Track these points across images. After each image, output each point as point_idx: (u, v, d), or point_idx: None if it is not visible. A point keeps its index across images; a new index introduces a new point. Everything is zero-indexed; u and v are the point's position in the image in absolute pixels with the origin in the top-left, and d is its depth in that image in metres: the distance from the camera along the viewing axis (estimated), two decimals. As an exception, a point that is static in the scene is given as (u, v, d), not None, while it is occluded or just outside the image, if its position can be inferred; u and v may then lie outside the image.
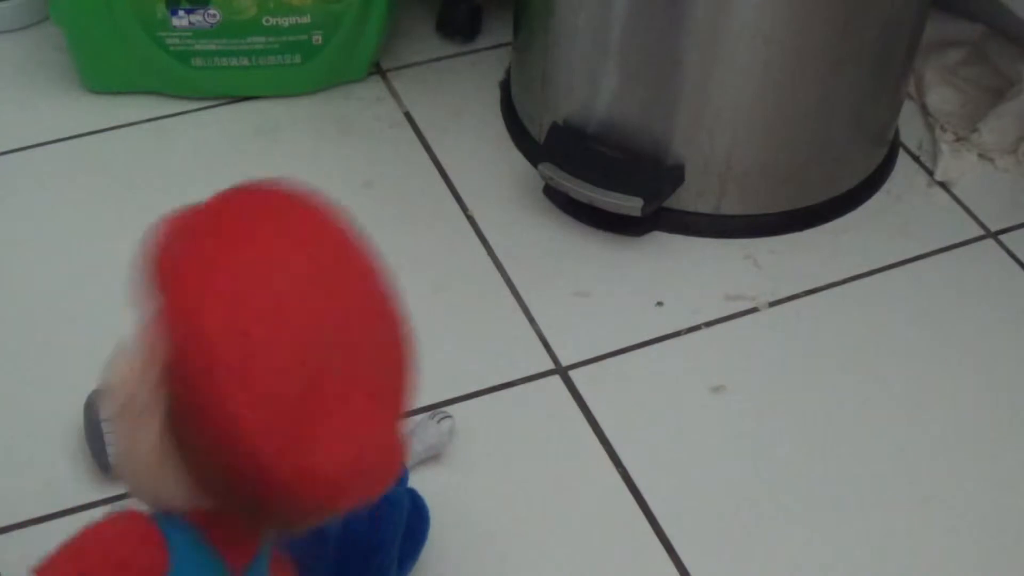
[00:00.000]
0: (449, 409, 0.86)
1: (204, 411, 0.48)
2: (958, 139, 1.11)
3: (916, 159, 1.11)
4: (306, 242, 0.52)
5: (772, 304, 0.97)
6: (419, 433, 0.82)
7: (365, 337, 0.52)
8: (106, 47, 1.08)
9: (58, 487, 0.81)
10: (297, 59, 1.10)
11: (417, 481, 0.81)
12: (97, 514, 0.78)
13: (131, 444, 0.52)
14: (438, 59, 1.19)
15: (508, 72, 1.15)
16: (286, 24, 1.07)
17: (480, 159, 1.08)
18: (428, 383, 0.88)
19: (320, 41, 1.09)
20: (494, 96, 1.15)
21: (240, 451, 0.47)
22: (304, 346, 0.48)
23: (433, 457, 0.83)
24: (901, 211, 1.06)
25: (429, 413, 0.83)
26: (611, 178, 0.96)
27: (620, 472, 0.84)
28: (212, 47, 1.08)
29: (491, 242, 1.00)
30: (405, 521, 0.72)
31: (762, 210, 1.02)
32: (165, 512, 0.53)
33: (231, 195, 0.53)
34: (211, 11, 1.06)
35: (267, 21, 1.07)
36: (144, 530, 0.53)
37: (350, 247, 0.55)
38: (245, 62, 1.10)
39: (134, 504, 0.55)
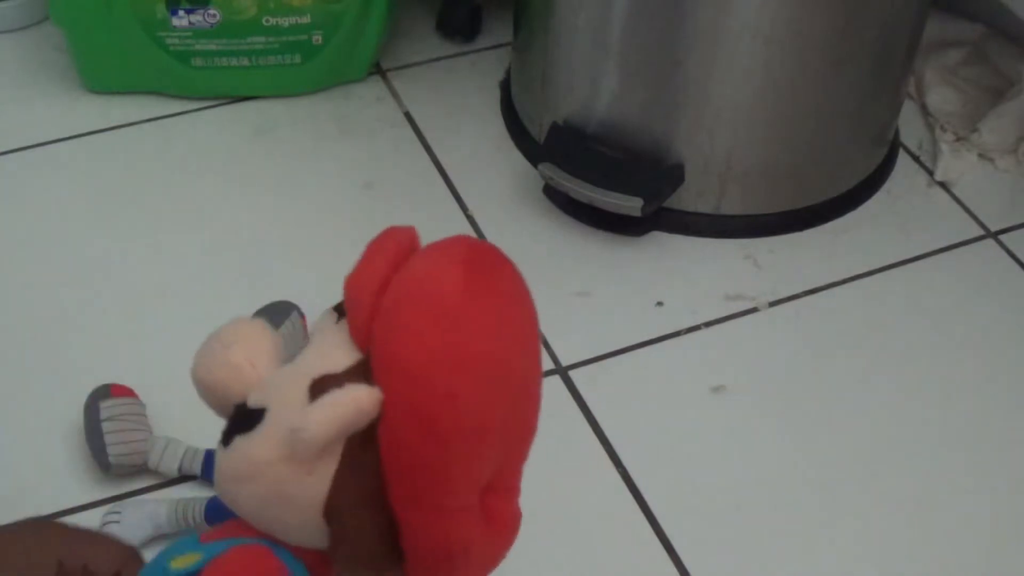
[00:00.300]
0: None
1: (404, 500, 0.47)
2: (958, 139, 1.11)
3: (916, 159, 1.11)
4: (515, 304, 0.52)
5: (772, 304, 0.97)
6: None
7: (535, 406, 0.52)
8: (106, 47, 1.08)
9: (58, 487, 0.82)
10: (297, 59, 1.10)
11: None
12: (97, 515, 0.79)
13: (269, 479, 0.49)
14: (438, 59, 1.20)
15: (508, 72, 1.15)
16: (286, 24, 1.07)
17: (480, 159, 1.08)
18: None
19: (320, 41, 1.09)
20: (494, 96, 1.15)
21: (429, 549, 0.48)
22: (505, 450, 0.50)
23: None
24: (901, 211, 1.06)
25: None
26: (611, 178, 0.96)
27: (620, 472, 0.84)
28: (212, 47, 1.08)
29: (491, 242, 1.00)
30: None
31: (762, 210, 1.02)
32: (277, 543, 0.51)
33: (453, 253, 0.50)
34: (211, 11, 1.06)
35: (267, 21, 1.07)
36: (273, 565, 0.51)
37: (533, 312, 0.54)
38: (245, 62, 1.10)
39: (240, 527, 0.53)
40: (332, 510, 0.49)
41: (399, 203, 1.04)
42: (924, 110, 1.15)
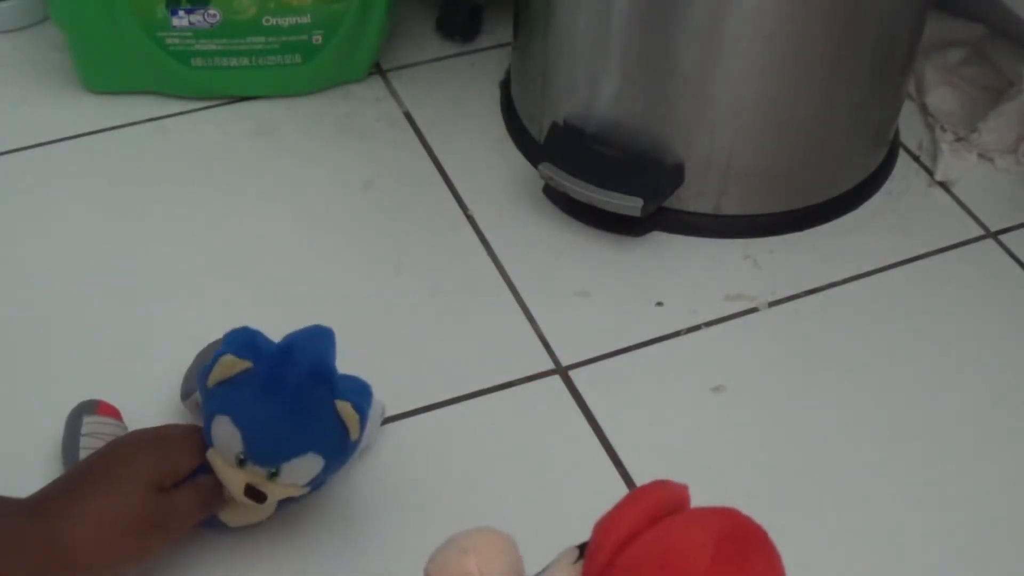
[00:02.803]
0: (448, 409, 0.86)
1: None
2: (958, 139, 1.11)
3: (916, 159, 1.11)
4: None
5: (772, 304, 0.97)
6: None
7: None
8: (106, 47, 1.08)
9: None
10: (297, 59, 1.10)
11: (412, 485, 0.81)
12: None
13: None
14: (438, 59, 1.20)
15: (508, 72, 1.15)
16: (286, 24, 1.07)
17: (480, 159, 1.08)
18: (427, 383, 0.89)
19: (320, 41, 1.09)
20: (494, 96, 1.15)
21: None
22: None
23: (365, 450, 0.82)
24: (901, 211, 1.06)
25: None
26: (611, 178, 0.96)
27: (620, 472, 0.84)
28: (212, 47, 1.08)
29: (491, 242, 1.00)
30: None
31: (762, 210, 1.02)
32: None
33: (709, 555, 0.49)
34: (211, 11, 1.06)
35: (267, 21, 1.07)
36: None
37: None
38: (245, 62, 1.10)
39: None
40: None
41: (399, 203, 1.04)
42: (924, 110, 1.15)
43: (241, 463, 0.69)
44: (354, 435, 0.71)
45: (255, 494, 0.70)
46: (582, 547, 0.51)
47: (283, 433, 0.69)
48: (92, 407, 0.81)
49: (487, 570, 0.53)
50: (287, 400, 0.69)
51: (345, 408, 0.70)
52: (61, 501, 0.67)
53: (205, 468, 0.72)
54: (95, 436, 0.79)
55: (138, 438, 0.73)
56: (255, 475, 0.70)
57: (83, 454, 0.78)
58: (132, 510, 0.67)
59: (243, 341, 0.70)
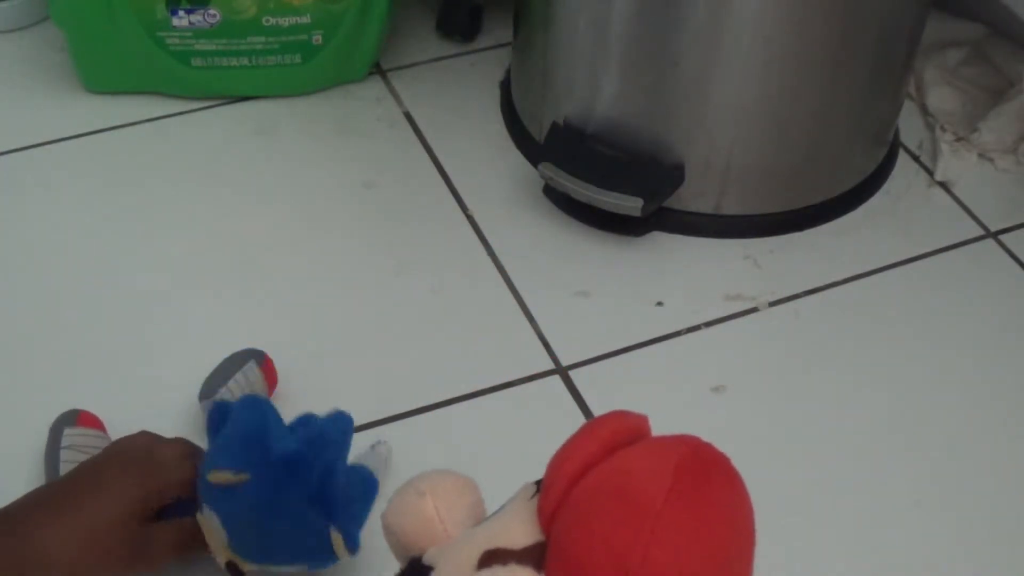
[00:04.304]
0: (448, 409, 0.86)
1: None
2: (958, 139, 1.11)
3: (916, 159, 1.11)
4: (723, 520, 0.48)
5: (772, 304, 0.97)
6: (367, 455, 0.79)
7: None
8: (106, 47, 1.08)
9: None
10: (297, 59, 1.10)
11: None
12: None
13: None
14: (438, 59, 1.20)
15: (508, 72, 1.15)
16: (286, 24, 1.07)
17: (480, 159, 1.08)
18: (427, 383, 0.89)
19: (320, 41, 1.09)
20: (494, 96, 1.15)
21: None
22: None
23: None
24: (901, 211, 1.06)
25: (371, 444, 0.81)
26: (611, 178, 0.96)
27: (620, 472, 0.84)
28: (212, 47, 1.08)
29: (491, 242, 1.00)
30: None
31: (762, 210, 1.02)
32: None
33: (678, 526, 0.46)
34: (211, 11, 1.06)
35: (267, 21, 1.07)
36: None
37: (753, 534, 0.50)
38: (245, 62, 1.10)
39: None
40: None
41: (399, 203, 1.04)
42: (924, 110, 1.15)
43: (227, 546, 0.68)
44: (342, 558, 0.69)
45: (236, 571, 0.69)
46: (539, 482, 0.50)
47: (271, 547, 0.68)
48: (72, 418, 0.79)
49: (446, 514, 0.51)
50: (281, 522, 0.66)
51: (337, 540, 0.67)
52: (39, 515, 0.64)
53: (188, 504, 0.69)
54: (75, 449, 0.77)
55: (128, 457, 0.70)
56: (239, 558, 0.69)
57: (63, 468, 0.76)
58: (110, 536, 0.65)
59: (248, 437, 0.66)
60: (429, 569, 0.49)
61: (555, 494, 0.47)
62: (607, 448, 0.47)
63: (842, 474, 0.85)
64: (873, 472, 0.85)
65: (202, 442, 0.83)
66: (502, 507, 0.51)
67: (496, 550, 0.47)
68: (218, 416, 0.70)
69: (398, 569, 0.54)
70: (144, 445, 0.71)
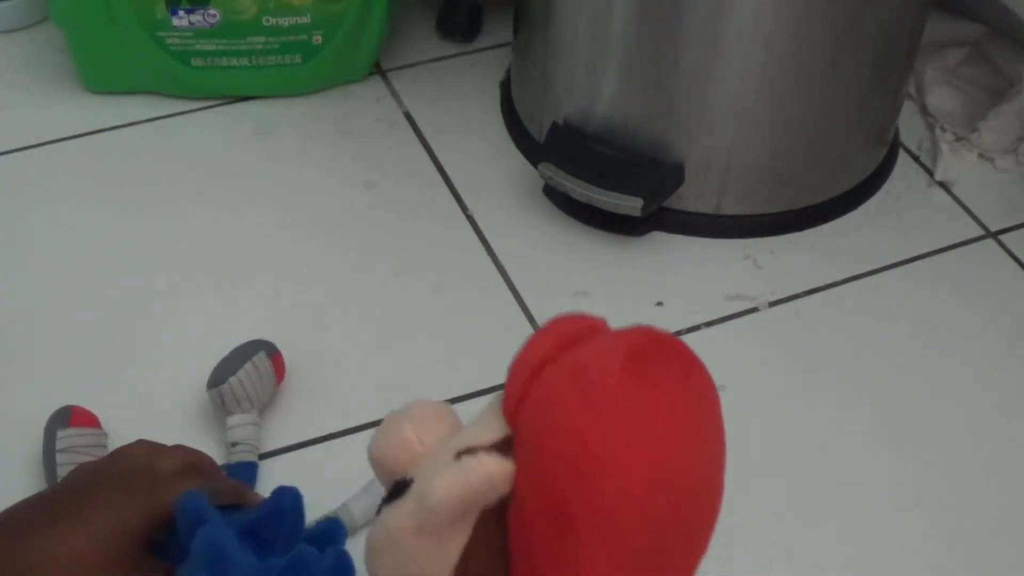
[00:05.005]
0: (449, 409, 0.86)
1: (540, 550, 0.45)
2: (958, 139, 1.11)
3: (916, 159, 1.11)
4: (695, 442, 0.49)
5: (772, 304, 0.97)
6: (370, 488, 0.77)
7: (702, 513, 0.49)
8: (106, 47, 1.08)
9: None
10: (297, 59, 1.10)
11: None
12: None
13: (404, 550, 0.49)
14: (438, 59, 1.20)
15: (508, 72, 1.15)
16: (286, 24, 1.07)
17: (480, 159, 1.08)
18: (427, 384, 0.89)
19: (320, 41, 1.09)
20: (494, 96, 1.15)
21: None
22: (652, 558, 0.46)
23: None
24: (901, 211, 1.06)
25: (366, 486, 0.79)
26: (611, 178, 0.96)
27: (620, 472, 0.84)
28: (212, 47, 1.08)
29: (491, 242, 1.00)
30: None
31: (762, 210, 1.02)
32: None
33: (621, 358, 0.48)
34: (211, 11, 1.06)
35: (267, 21, 1.07)
36: None
37: (718, 416, 0.51)
38: (245, 62, 1.10)
39: None
40: None
41: (399, 203, 1.04)
42: (924, 110, 1.15)
43: None
44: None
45: None
46: None
47: None
48: (65, 418, 0.78)
49: (425, 436, 0.53)
50: None
51: None
52: (26, 527, 0.61)
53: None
54: (72, 451, 0.76)
55: (128, 473, 0.66)
56: None
57: (61, 471, 0.75)
58: (111, 554, 0.61)
59: (212, 551, 0.61)
60: (410, 482, 0.50)
61: (516, 387, 0.48)
62: (564, 343, 0.49)
63: (842, 474, 0.85)
64: (873, 472, 0.85)
65: (207, 432, 0.83)
66: (475, 419, 0.53)
67: (468, 448, 0.49)
68: (193, 515, 0.66)
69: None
70: (144, 456, 0.69)
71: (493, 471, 0.46)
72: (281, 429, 0.84)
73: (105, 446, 0.79)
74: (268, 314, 0.93)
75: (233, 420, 0.80)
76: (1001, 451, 0.87)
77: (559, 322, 0.51)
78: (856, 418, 0.89)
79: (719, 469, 0.50)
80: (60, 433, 0.77)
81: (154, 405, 0.85)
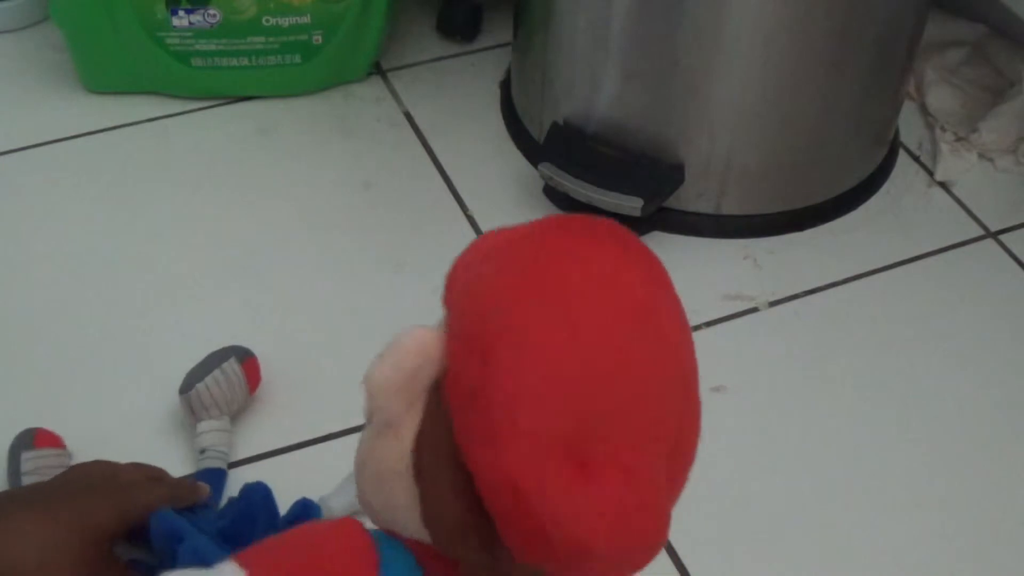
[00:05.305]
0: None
1: (468, 436, 0.45)
2: (958, 139, 1.11)
3: (916, 159, 1.11)
4: (623, 286, 0.48)
5: (772, 304, 0.97)
6: (348, 485, 0.76)
7: (651, 401, 0.47)
8: (106, 47, 1.08)
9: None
10: (297, 59, 1.10)
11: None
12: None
13: (373, 453, 0.49)
14: (438, 59, 1.20)
15: (508, 72, 1.15)
16: (286, 24, 1.07)
17: (480, 159, 1.08)
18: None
19: (320, 41, 1.09)
20: (494, 96, 1.15)
21: (496, 486, 0.44)
22: (582, 394, 0.44)
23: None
24: (901, 211, 1.06)
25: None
26: (611, 178, 0.96)
27: (620, 472, 0.84)
28: (212, 47, 1.08)
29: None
30: None
31: (762, 210, 1.02)
32: (386, 532, 0.50)
33: (546, 226, 0.48)
34: (211, 11, 1.06)
35: (267, 21, 1.07)
36: (360, 545, 0.49)
37: (656, 296, 0.51)
38: (245, 62, 1.10)
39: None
40: (417, 471, 0.47)
41: (399, 203, 1.04)
42: (924, 110, 1.15)
43: None
44: None
45: None
46: None
47: None
48: (29, 440, 0.78)
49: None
50: None
51: None
52: (19, 515, 0.62)
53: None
54: (37, 473, 0.76)
55: (95, 479, 0.68)
56: None
57: None
58: (81, 551, 0.62)
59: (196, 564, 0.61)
60: None
61: (451, 276, 0.51)
62: (495, 242, 0.50)
63: (842, 474, 0.85)
64: (873, 472, 0.85)
65: (186, 435, 0.83)
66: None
67: None
68: (168, 532, 0.66)
69: None
70: (106, 469, 0.70)
71: (424, 337, 0.48)
72: (281, 430, 0.85)
73: (68, 466, 0.78)
74: (267, 313, 0.93)
75: (202, 426, 0.80)
76: (1002, 450, 0.87)
77: (493, 232, 0.52)
78: (856, 418, 0.89)
79: (670, 319, 0.50)
80: (24, 455, 0.77)
81: (151, 402, 0.85)
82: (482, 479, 0.44)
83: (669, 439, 0.48)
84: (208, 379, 0.80)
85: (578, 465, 0.44)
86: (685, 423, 0.50)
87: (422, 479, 0.48)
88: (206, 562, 0.61)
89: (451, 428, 0.46)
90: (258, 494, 0.68)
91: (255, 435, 0.84)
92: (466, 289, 0.48)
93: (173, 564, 0.65)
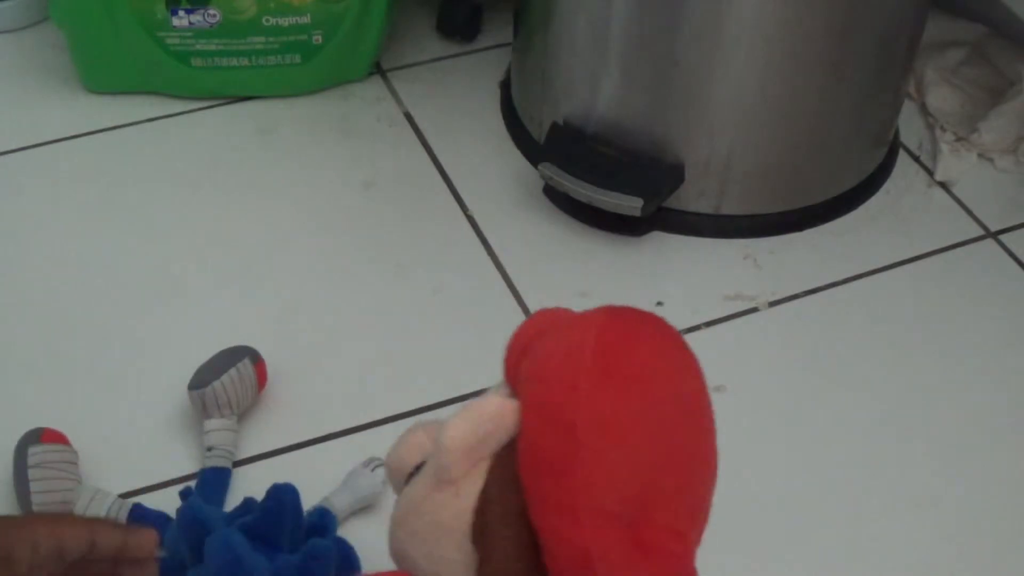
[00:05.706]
0: (448, 409, 0.86)
1: (543, 503, 0.49)
2: (958, 139, 1.11)
3: (916, 159, 1.11)
4: (674, 376, 0.54)
5: (772, 304, 0.97)
6: (350, 482, 0.79)
7: (695, 478, 0.53)
8: (106, 47, 1.08)
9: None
10: (297, 59, 1.10)
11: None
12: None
13: (426, 506, 0.52)
14: (438, 59, 1.20)
15: (508, 72, 1.15)
16: (286, 24, 1.07)
17: (480, 159, 1.08)
18: (427, 384, 0.89)
19: (320, 41, 1.09)
20: (494, 96, 1.15)
21: (567, 552, 0.48)
22: (648, 474, 0.50)
23: (365, 508, 0.80)
24: (901, 211, 1.06)
25: (363, 461, 0.80)
26: (611, 178, 0.96)
27: (620, 472, 0.84)
28: (212, 47, 1.08)
29: (491, 242, 1.00)
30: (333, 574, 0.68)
31: (762, 210, 1.02)
32: None
33: (605, 313, 0.53)
34: (211, 11, 1.06)
35: (267, 21, 1.07)
36: None
37: (701, 388, 0.55)
38: (245, 62, 1.10)
39: None
40: (477, 529, 0.50)
41: (399, 203, 1.04)
42: (924, 110, 1.15)
43: None
44: None
45: None
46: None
47: None
48: (36, 436, 0.78)
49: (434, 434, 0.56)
50: None
51: None
52: None
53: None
54: (43, 466, 0.76)
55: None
56: None
57: (33, 486, 0.75)
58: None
59: (227, 555, 0.65)
60: (423, 463, 0.54)
61: (515, 353, 0.53)
62: (552, 322, 0.53)
63: (842, 473, 0.85)
64: (873, 471, 0.85)
65: (195, 429, 0.83)
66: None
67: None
68: (194, 522, 0.68)
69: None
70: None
71: (497, 406, 0.50)
72: (282, 429, 0.85)
73: (75, 463, 0.78)
74: (268, 313, 0.93)
75: (211, 424, 0.81)
76: (1002, 450, 0.87)
77: (543, 311, 0.55)
78: (856, 417, 0.89)
79: (705, 407, 0.54)
80: (32, 449, 0.77)
81: (150, 400, 0.85)
82: (553, 543, 0.49)
83: (707, 509, 0.53)
84: (224, 377, 0.81)
85: (636, 535, 0.49)
86: (711, 493, 0.55)
87: (485, 537, 0.50)
88: (236, 561, 0.63)
89: (521, 492, 0.49)
90: (288, 496, 0.69)
91: (255, 435, 0.84)
92: (536, 371, 0.51)
93: (198, 555, 0.66)
